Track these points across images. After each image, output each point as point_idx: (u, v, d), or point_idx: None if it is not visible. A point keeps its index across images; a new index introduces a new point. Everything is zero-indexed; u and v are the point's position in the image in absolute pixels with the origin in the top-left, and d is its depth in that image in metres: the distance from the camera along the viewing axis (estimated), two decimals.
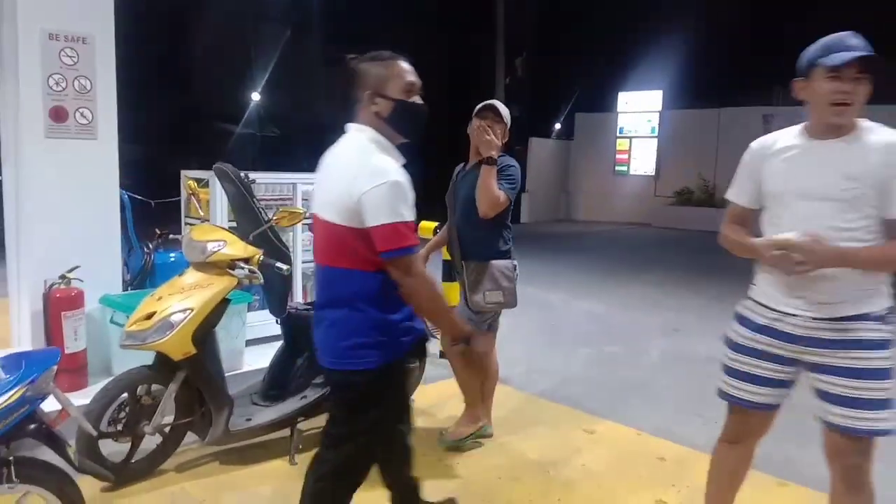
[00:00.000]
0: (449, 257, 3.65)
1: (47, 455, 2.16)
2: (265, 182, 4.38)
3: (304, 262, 4.61)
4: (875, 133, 1.97)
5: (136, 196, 5.06)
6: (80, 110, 3.64)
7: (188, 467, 3.07)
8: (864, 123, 2.00)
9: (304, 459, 3.14)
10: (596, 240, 14.17)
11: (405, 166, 1.96)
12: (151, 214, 5.30)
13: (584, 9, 20.55)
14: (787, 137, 2.11)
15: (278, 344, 3.47)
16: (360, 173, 1.86)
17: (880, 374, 1.96)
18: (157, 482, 2.93)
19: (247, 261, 2.94)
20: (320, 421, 3.38)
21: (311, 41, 20.96)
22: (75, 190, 3.66)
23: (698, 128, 16.49)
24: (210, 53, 19.38)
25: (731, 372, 2.21)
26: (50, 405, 2.09)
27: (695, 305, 7.16)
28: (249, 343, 4.04)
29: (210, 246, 2.91)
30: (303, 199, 4.53)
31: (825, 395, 2.03)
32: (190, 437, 3.05)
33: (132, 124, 4.77)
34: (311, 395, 3.24)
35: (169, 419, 2.94)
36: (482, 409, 3.47)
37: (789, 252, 1.91)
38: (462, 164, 3.47)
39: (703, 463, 3.24)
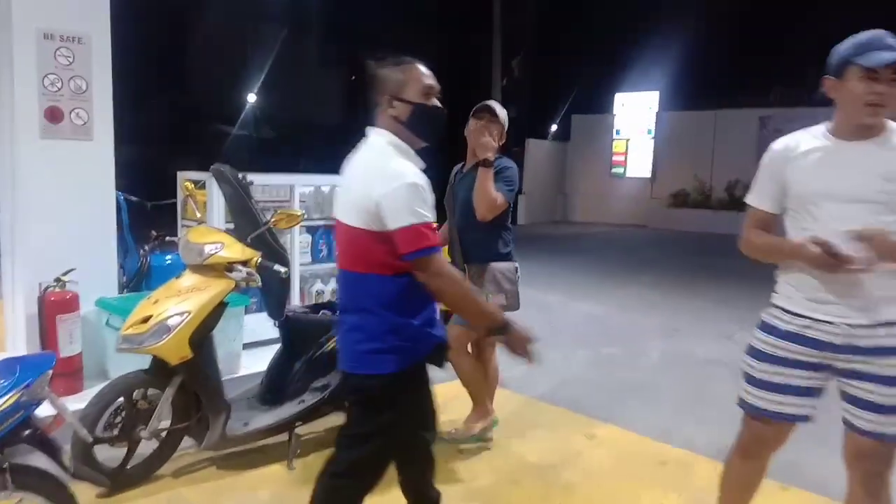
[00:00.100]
0: (450, 259, 3.63)
1: (40, 460, 2.13)
2: (262, 184, 4.35)
3: (301, 265, 4.58)
4: None
5: (133, 198, 5.03)
6: (76, 111, 3.60)
7: (185, 472, 3.04)
8: (891, 125, 1.97)
9: (303, 464, 3.14)
10: (593, 241, 14.19)
11: (425, 171, 1.97)
12: (147, 216, 5.27)
13: (580, 10, 20.60)
14: (811, 139, 2.06)
15: (275, 347, 3.44)
16: (378, 176, 1.88)
17: None
18: (153, 488, 2.90)
19: (245, 263, 2.91)
20: (319, 426, 3.37)
21: (309, 42, 20.96)
22: (71, 191, 3.62)
23: (694, 129, 16.54)
24: (207, 54, 19.34)
25: (755, 381, 2.13)
26: (44, 410, 2.06)
27: (691, 307, 7.15)
28: (246, 346, 4.01)
29: (208, 248, 2.88)
30: (300, 201, 4.51)
31: (856, 401, 1.99)
32: (187, 441, 3.02)
33: (128, 125, 4.75)
34: (310, 399, 3.21)
35: (165, 424, 2.91)
36: (489, 404, 3.45)
37: (834, 248, 1.85)
38: (460, 165, 3.46)
39: (703, 467, 3.25)
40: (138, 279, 4.44)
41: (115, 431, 2.79)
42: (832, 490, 2.74)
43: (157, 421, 2.82)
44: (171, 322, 2.73)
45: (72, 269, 3.48)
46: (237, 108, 19.58)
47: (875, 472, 2.00)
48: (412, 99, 1.98)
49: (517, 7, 19.62)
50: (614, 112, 18.36)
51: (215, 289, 2.86)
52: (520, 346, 1.98)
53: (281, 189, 4.52)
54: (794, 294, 2.07)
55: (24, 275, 3.60)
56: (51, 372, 2.04)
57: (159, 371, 2.82)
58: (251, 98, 19.80)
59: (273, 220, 3.18)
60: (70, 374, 3.46)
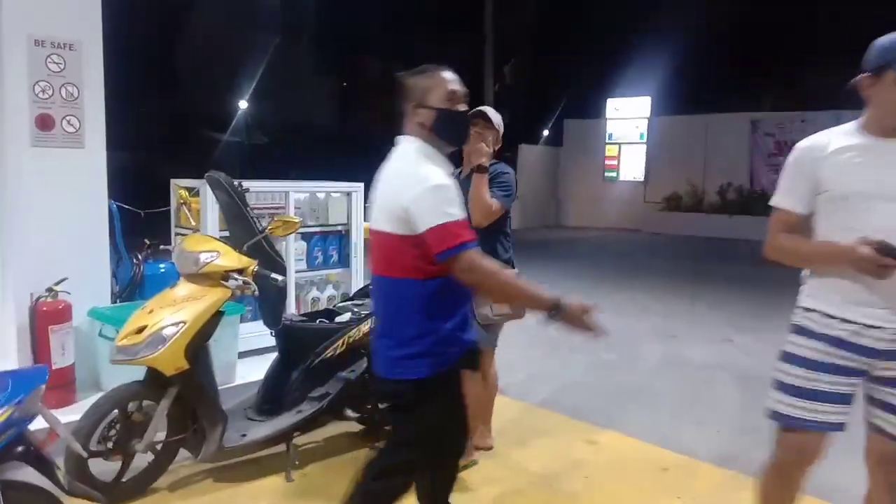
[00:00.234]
0: None
1: (34, 476, 2.08)
2: (257, 191, 4.31)
3: (297, 272, 4.54)
4: None
5: (125, 206, 4.97)
6: (68, 118, 3.56)
7: (181, 485, 2.98)
8: None
9: (301, 476, 3.09)
10: (586, 246, 14.21)
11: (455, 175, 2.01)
12: (141, 224, 5.21)
13: (572, 16, 20.67)
14: (842, 137, 2.00)
15: (271, 356, 3.39)
16: (406, 182, 1.92)
17: None
18: (149, 501, 2.84)
19: (241, 272, 2.87)
20: (317, 436, 3.33)
21: (302, 49, 20.94)
22: (62, 200, 3.57)
23: (687, 134, 16.62)
24: (200, 60, 19.25)
25: (790, 389, 2.03)
26: (37, 424, 2.01)
27: (686, 311, 7.17)
28: (242, 355, 3.96)
29: (203, 257, 2.84)
30: (295, 208, 4.47)
31: (889, 407, 1.96)
32: (183, 454, 2.96)
33: (121, 132, 4.68)
34: (307, 409, 3.16)
35: (161, 436, 2.86)
36: (487, 432, 3.40)
37: (891, 246, 1.80)
38: (457, 171, 3.42)
39: (704, 472, 3.24)
40: (131, 288, 4.38)
41: (110, 445, 2.74)
42: (834, 495, 2.76)
43: (152, 433, 2.77)
44: (166, 332, 2.69)
45: (64, 279, 3.43)
46: (230, 115, 19.50)
47: None
48: (436, 105, 2.01)
49: (509, 13, 19.67)
50: (607, 117, 18.43)
51: (211, 298, 2.81)
52: (579, 321, 1.91)
53: (276, 196, 4.48)
54: (833, 297, 1.99)
55: (15, 285, 3.54)
56: (44, 387, 2.00)
57: (154, 382, 2.77)
58: (243, 105, 19.74)
59: (269, 227, 3.14)
60: (62, 386, 3.40)
